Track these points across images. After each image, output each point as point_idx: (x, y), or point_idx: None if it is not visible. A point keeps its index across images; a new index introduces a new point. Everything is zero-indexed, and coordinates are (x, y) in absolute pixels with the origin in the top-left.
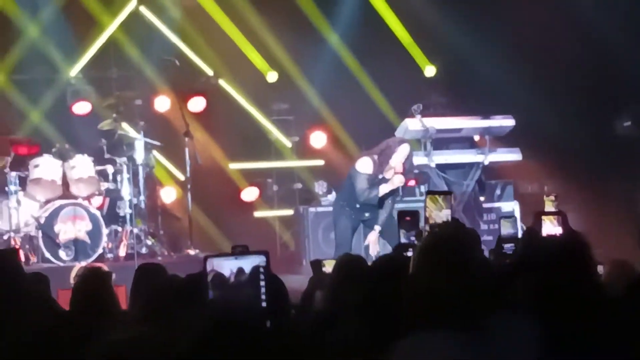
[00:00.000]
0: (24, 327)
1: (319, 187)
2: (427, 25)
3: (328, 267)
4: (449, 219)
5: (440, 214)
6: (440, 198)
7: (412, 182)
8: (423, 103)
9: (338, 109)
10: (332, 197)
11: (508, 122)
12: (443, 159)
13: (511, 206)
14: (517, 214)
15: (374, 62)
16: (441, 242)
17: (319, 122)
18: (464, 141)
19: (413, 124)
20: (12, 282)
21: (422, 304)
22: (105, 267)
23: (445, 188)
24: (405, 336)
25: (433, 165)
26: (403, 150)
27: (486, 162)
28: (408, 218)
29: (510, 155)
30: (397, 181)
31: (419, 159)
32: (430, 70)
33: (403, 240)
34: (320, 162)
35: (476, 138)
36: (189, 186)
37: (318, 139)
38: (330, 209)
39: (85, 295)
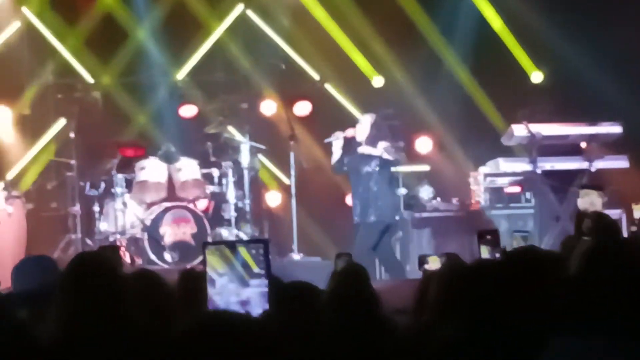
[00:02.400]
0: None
1: (424, 192)
2: (534, 30)
3: (431, 264)
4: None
5: (596, 201)
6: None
7: (517, 189)
8: (529, 109)
9: (444, 114)
10: (437, 202)
11: (615, 129)
12: (549, 166)
13: (618, 214)
14: (624, 222)
15: (480, 68)
16: (612, 246)
17: (424, 128)
18: (571, 148)
19: (519, 130)
20: (111, 279)
21: (581, 307)
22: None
23: (550, 195)
24: (548, 341)
25: (539, 171)
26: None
27: (592, 169)
28: (489, 237)
29: (617, 163)
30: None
31: (524, 166)
32: (537, 77)
33: (485, 256)
34: (425, 168)
35: (583, 145)
36: (293, 190)
37: (424, 144)
38: (436, 214)
39: (183, 297)
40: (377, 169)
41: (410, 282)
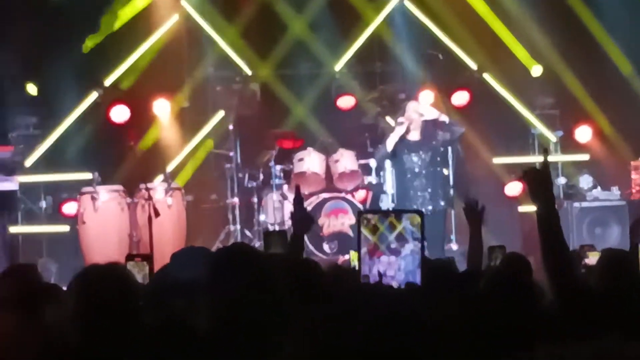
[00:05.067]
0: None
1: (584, 181)
2: None
3: (592, 258)
4: None
5: None
6: None
7: None
8: None
9: (604, 103)
10: (597, 192)
11: None
12: None
13: None
14: None
15: None
16: None
17: (584, 117)
18: None
19: None
20: (259, 268)
21: None
22: None
23: None
24: None
25: None
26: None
27: None
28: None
29: None
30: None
31: None
32: None
33: None
34: (585, 157)
35: None
36: (452, 180)
37: (583, 133)
38: (596, 204)
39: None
40: (442, 153)
41: None
